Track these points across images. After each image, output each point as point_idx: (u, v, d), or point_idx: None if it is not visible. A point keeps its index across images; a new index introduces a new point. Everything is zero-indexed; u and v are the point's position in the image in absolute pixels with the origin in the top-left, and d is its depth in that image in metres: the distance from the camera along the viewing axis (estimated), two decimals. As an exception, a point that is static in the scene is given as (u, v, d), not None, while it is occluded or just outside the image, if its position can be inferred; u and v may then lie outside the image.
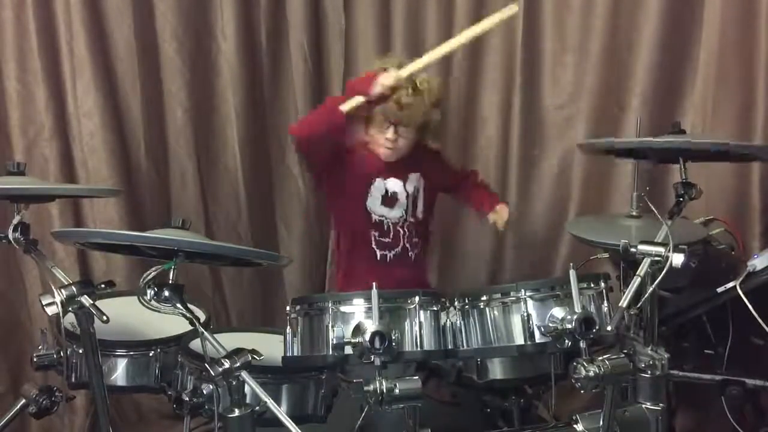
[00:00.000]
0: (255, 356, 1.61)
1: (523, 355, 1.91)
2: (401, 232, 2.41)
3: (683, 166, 1.89)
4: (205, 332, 1.64)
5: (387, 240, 2.40)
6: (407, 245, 2.42)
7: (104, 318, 1.63)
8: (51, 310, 1.62)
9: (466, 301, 1.82)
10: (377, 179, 2.38)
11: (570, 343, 1.67)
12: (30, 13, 2.62)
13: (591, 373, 1.54)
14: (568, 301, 1.71)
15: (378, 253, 2.39)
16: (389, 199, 2.39)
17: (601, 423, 1.67)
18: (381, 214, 2.39)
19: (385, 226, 2.40)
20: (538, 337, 1.74)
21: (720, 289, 2.12)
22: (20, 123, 2.68)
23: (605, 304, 1.79)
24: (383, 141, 2.35)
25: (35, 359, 1.99)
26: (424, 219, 2.49)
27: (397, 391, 1.63)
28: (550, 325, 1.71)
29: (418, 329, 1.75)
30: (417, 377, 1.69)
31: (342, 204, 2.44)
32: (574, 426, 1.78)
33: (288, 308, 1.83)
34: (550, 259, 2.96)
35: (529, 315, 1.74)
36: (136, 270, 2.72)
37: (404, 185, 2.41)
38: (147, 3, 2.82)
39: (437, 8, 2.97)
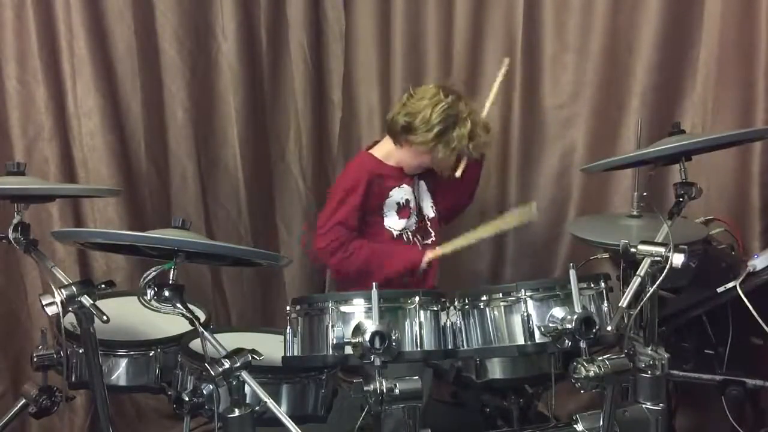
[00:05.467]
0: (255, 356, 1.60)
1: (523, 355, 1.91)
2: (416, 238, 2.44)
3: (683, 166, 1.89)
4: (205, 332, 1.64)
5: None
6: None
7: (104, 318, 1.63)
8: (51, 310, 1.62)
9: (466, 301, 1.82)
10: (393, 190, 2.39)
11: (570, 343, 1.67)
12: (30, 13, 2.61)
13: (591, 373, 1.54)
14: (568, 301, 1.71)
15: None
16: (403, 210, 2.40)
17: (601, 423, 1.67)
18: (399, 228, 2.40)
19: (405, 239, 2.41)
20: (538, 337, 1.74)
21: (720, 289, 2.12)
22: (20, 123, 2.67)
23: (605, 304, 1.79)
24: (431, 164, 2.39)
25: (35, 359, 1.99)
26: (435, 216, 2.51)
27: (397, 391, 1.63)
28: (550, 325, 1.71)
29: (418, 329, 1.75)
30: (417, 377, 1.69)
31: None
32: (574, 426, 1.78)
33: (288, 308, 1.83)
34: (550, 259, 2.97)
35: (529, 315, 1.74)
36: (136, 270, 2.72)
37: (413, 190, 2.43)
38: (147, 3, 2.82)
39: (437, 8, 2.97)
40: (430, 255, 2.35)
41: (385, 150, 2.42)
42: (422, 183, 2.49)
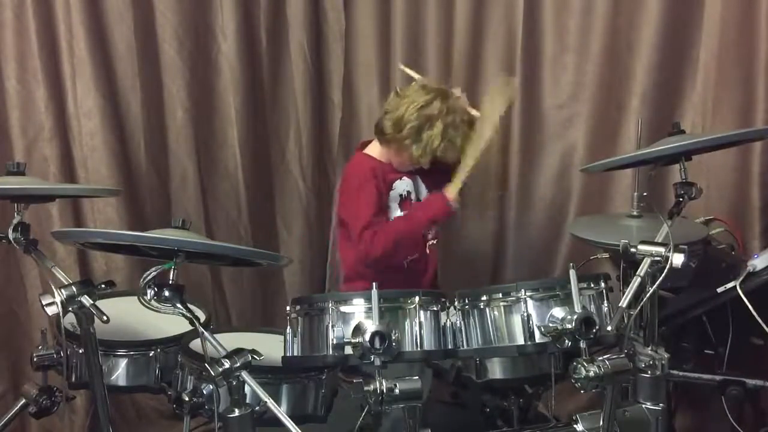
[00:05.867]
0: (255, 356, 1.60)
1: (523, 355, 1.91)
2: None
3: (683, 166, 1.89)
4: (205, 332, 1.64)
5: None
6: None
7: (104, 318, 1.63)
8: (51, 310, 1.62)
9: (466, 301, 1.82)
10: (395, 182, 2.39)
11: (570, 343, 1.67)
12: (30, 13, 2.61)
13: (591, 373, 1.54)
14: (568, 301, 1.71)
15: (405, 262, 2.38)
16: (404, 203, 2.40)
17: (601, 423, 1.67)
18: None
19: None
20: (538, 337, 1.74)
21: (720, 289, 2.11)
22: (20, 123, 2.67)
23: (605, 304, 1.79)
24: (412, 163, 2.38)
25: (35, 359, 1.99)
26: None
27: (397, 391, 1.63)
28: (550, 325, 1.71)
29: (418, 329, 1.75)
30: (417, 377, 1.69)
31: None
32: (574, 426, 1.78)
33: (288, 308, 1.83)
34: (550, 259, 2.97)
35: (529, 315, 1.74)
36: (136, 270, 2.72)
37: (413, 182, 2.43)
38: (147, 3, 2.82)
39: (437, 8, 2.97)
40: (451, 192, 2.33)
41: (378, 148, 2.43)
42: (417, 177, 2.49)
